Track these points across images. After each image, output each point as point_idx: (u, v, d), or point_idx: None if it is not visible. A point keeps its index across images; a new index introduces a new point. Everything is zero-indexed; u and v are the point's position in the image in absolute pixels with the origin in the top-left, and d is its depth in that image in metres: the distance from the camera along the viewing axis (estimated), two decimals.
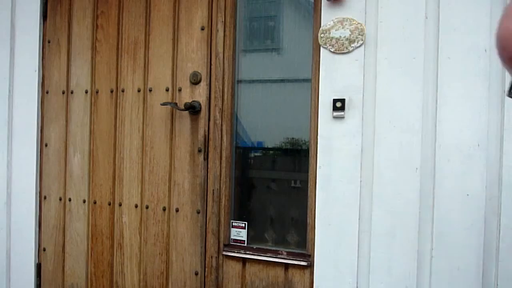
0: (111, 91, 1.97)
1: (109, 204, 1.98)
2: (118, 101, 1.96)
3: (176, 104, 1.83)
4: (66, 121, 2.06)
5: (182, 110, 1.80)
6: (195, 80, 1.82)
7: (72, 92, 2.05)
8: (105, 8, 1.99)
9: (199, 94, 1.82)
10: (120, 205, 1.96)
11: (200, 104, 1.81)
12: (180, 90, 1.85)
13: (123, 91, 1.95)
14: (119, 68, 1.96)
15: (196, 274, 1.83)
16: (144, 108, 1.92)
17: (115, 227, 1.97)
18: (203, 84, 1.82)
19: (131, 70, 1.94)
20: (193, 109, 1.81)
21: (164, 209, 1.88)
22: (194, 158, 1.83)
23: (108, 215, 1.98)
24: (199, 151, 1.82)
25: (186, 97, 1.84)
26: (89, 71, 2.01)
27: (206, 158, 1.81)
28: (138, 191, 1.93)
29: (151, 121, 1.90)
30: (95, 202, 2.00)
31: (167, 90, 1.87)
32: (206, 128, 1.81)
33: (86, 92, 2.02)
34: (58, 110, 2.07)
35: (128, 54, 1.95)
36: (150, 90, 1.90)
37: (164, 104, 1.80)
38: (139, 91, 1.92)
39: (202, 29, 1.82)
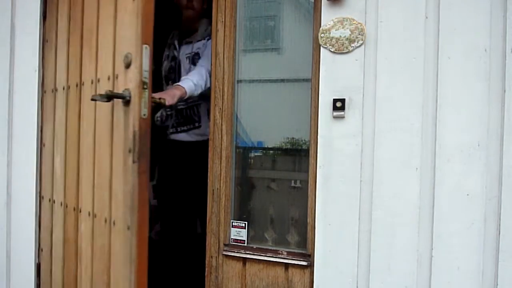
0: (76, 86, 1.78)
1: (74, 209, 1.79)
2: (81, 95, 1.75)
3: (102, 95, 1.53)
4: (53, 120, 1.93)
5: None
6: (126, 63, 1.62)
7: (56, 90, 1.93)
8: None
9: (130, 80, 1.61)
10: (80, 211, 1.75)
11: (130, 93, 1.56)
12: (117, 77, 1.59)
13: (83, 84, 1.74)
14: (82, 60, 1.75)
15: None
16: (95, 102, 1.63)
17: (78, 234, 1.75)
18: (132, 68, 1.61)
19: (88, 60, 1.71)
20: (122, 99, 1.59)
21: (105, 220, 1.67)
22: (125, 160, 1.53)
23: (74, 221, 1.78)
24: (129, 151, 1.52)
25: (122, 85, 1.55)
26: (65, 66, 1.86)
27: (136, 161, 1.63)
28: (91, 197, 1.67)
29: (100, 115, 1.66)
30: (67, 206, 1.85)
31: (108, 78, 1.63)
32: (136, 123, 1.64)
33: (63, 88, 1.87)
34: (50, 109, 1.98)
35: (87, 42, 1.72)
36: (99, 81, 1.67)
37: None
38: (92, 82, 1.70)
39: None
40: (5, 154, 2.11)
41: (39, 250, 2.10)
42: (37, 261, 2.10)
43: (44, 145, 2.07)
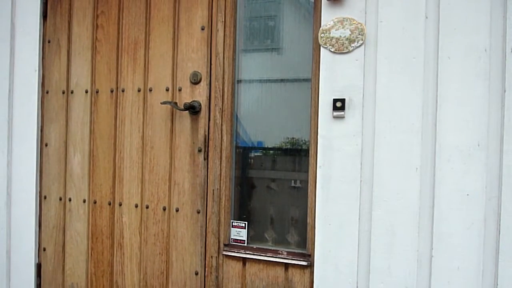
0: (111, 91, 1.98)
1: (109, 204, 1.98)
2: (118, 100, 1.97)
3: (176, 103, 1.84)
4: (66, 121, 2.06)
5: (182, 110, 1.80)
6: (195, 80, 1.82)
7: (72, 92, 2.05)
8: (105, 8, 1.99)
9: (199, 94, 1.82)
10: (120, 204, 1.96)
11: (200, 104, 1.82)
12: (180, 90, 1.86)
13: (123, 90, 1.95)
14: (119, 68, 1.97)
15: (196, 274, 1.83)
16: (144, 108, 1.92)
17: (115, 227, 1.97)
18: (203, 84, 1.82)
19: (131, 69, 1.94)
20: (193, 108, 1.81)
21: (164, 208, 1.88)
22: (194, 158, 1.83)
23: (108, 214, 1.99)
24: (199, 150, 1.82)
25: (186, 97, 1.84)
26: (89, 71, 2.02)
27: (206, 158, 1.82)
28: (138, 191, 1.93)
29: (151, 121, 1.90)
30: (95, 202, 2.00)
31: (167, 90, 1.87)
32: (206, 128, 1.81)
33: (86, 92, 2.02)
34: (58, 110, 2.07)
35: (128, 53, 1.95)
36: (150, 90, 1.91)
37: (164, 103, 1.80)
38: (139, 90, 1.93)
39: (202, 29, 1.82)
40: (5, 154, 2.11)
41: (39, 250, 2.11)
42: (37, 261, 2.11)
43: (46, 145, 2.08)
